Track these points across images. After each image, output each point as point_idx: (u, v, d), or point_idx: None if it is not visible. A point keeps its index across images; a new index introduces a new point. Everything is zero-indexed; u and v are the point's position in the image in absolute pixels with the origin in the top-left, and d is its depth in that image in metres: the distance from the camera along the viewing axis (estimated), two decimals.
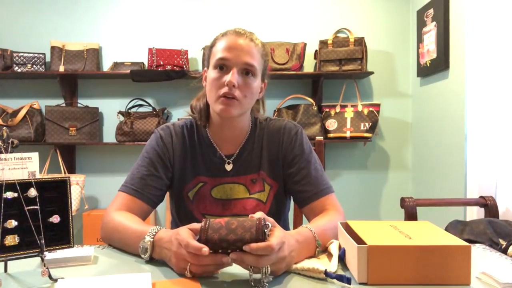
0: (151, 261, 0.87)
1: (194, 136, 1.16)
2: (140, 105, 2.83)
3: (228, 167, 1.13)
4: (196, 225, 0.79)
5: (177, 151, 1.13)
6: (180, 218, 1.17)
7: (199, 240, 0.73)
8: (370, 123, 2.72)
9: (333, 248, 0.87)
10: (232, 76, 1.01)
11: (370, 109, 2.74)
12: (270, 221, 0.78)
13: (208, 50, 1.11)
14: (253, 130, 1.17)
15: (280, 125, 1.17)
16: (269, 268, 0.73)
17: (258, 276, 0.74)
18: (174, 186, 1.15)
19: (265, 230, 0.73)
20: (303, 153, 1.13)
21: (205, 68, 1.13)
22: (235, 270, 0.82)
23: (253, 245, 0.70)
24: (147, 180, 1.07)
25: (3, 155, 0.76)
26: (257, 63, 1.05)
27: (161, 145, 1.13)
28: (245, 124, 1.15)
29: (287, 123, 1.17)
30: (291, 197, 1.20)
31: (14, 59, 2.65)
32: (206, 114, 1.15)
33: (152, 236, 0.86)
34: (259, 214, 0.79)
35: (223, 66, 1.03)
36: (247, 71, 1.04)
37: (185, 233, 0.77)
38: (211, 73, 1.05)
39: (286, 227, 1.23)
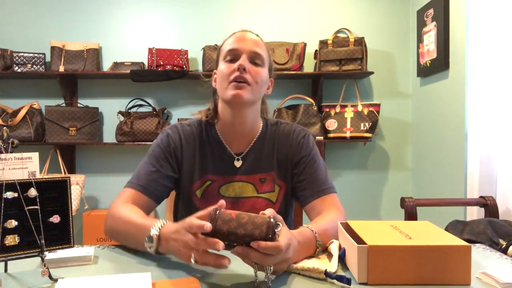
0: (157, 254, 0.86)
1: (203, 134, 1.17)
2: (140, 105, 2.83)
3: (238, 164, 1.15)
4: (203, 213, 0.77)
5: (185, 149, 1.14)
6: (186, 216, 1.17)
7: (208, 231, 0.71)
8: (370, 123, 2.72)
9: (333, 248, 0.87)
10: (242, 60, 1.04)
11: (370, 109, 2.74)
12: (279, 219, 0.77)
13: (217, 52, 1.16)
14: (264, 130, 1.19)
15: (290, 129, 1.20)
16: (271, 267, 0.73)
17: (262, 276, 0.74)
18: (182, 184, 1.15)
19: (276, 230, 0.72)
20: (309, 154, 1.16)
21: (215, 70, 1.15)
22: (236, 271, 0.82)
23: (262, 243, 0.70)
24: (152, 176, 1.09)
25: (3, 155, 0.76)
26: (264, 54, 1.10)
27: (168, 143, 1.14)
28: (255, 122, 1.17)
29: (296, 127, 1.21)
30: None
31: (14, 59, 2.65)
32: (214, 112, 1.17)
33: (158, 230, 0.84)
34: (270, 212, 0.77)
35: (232, 58, 1.07)
36: (255, 60, 1.08)
37: (191, 218, 0.76)
38: (221, 66, 1.09)
39: (290, 226, 1.24)
